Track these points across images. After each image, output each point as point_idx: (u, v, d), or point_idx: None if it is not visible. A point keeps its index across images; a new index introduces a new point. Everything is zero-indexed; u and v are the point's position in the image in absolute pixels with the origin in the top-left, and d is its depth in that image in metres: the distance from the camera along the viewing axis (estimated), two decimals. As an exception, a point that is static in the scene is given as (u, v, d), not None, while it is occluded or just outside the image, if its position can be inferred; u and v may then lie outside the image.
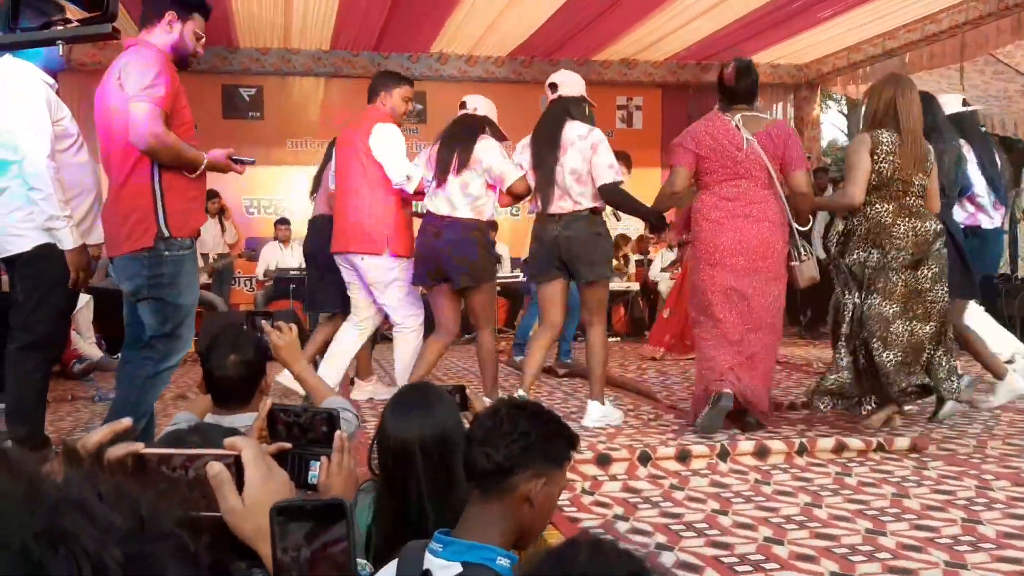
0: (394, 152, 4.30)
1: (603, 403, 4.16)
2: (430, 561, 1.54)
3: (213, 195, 8.81)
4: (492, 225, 4.91)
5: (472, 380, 5.17)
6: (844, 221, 4.00)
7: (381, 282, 4.44)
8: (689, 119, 9.73)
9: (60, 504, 0.49)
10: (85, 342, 6.42)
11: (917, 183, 3.82)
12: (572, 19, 8.09)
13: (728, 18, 8.02)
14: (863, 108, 4.04)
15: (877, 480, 3.13)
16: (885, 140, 3.77)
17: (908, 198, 3.82)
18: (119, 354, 4.00)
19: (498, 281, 5.93)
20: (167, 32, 3.17)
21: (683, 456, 3.42)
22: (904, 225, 3.79)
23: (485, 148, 4.14)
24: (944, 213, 4.10)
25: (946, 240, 3.91)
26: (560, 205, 4.02)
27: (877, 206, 3.82)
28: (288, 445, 1.43)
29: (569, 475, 3.13)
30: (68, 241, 3.24)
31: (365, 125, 4.41)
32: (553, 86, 4.17)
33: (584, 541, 0.89)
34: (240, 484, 0.99)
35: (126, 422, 1.13)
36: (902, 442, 3.60)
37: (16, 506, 0.47)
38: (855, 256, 3.87)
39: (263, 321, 2.33)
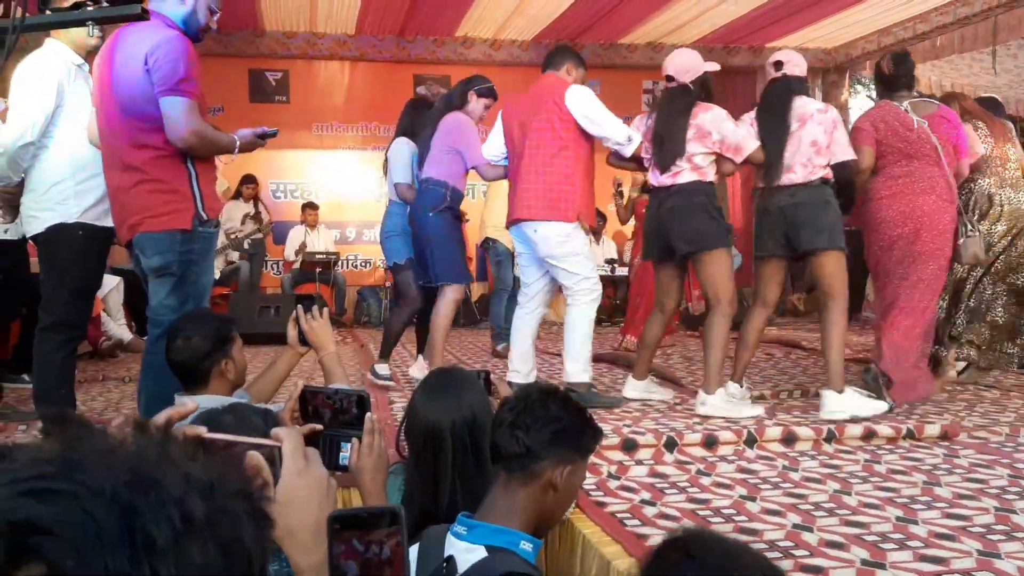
0: (605, 112, 4.13)
1: (843, 391, 3.86)
2: (453, 544, 1.54)
3: (250, 179, 8.87)
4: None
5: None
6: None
7: (558, 253, 4.14)
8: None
9: (141, 459, 0.51)
10: (115, 323, 6.48)
11: (1013, 157, 4.35)
12: (598, 2, 8.03)
13: (756, 1, 7.93)
14: None
15: (907, 468, 3.11)
16: (980, 124, 4.37)
17: (1007, 171, 4.40)
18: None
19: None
20: (181, 4, 3.04)
21: (710, 442, 3.40)
22: (1003, 195, 4.36)
23: (713, 119, 4.01)
24: None
25: None
26: (789, 177, 3.95)
27: (979, 181, 4.38)
28: (320, 427, 1.46)
29: (595, 459, 3.14)
30: None
31: (551, 90, 4.15)
32: (778, 64, 4.15)
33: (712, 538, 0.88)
34: (276, 476, 0.99)
35: (192, 404, 1.17)
36: (932, 429, 3.56)
37: (101, 457, 0.49)
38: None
39: (299, 305, 2.49)
